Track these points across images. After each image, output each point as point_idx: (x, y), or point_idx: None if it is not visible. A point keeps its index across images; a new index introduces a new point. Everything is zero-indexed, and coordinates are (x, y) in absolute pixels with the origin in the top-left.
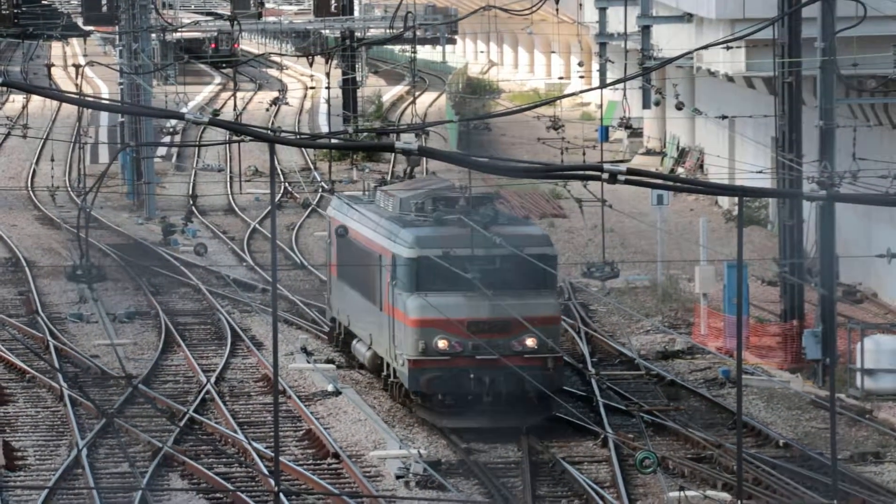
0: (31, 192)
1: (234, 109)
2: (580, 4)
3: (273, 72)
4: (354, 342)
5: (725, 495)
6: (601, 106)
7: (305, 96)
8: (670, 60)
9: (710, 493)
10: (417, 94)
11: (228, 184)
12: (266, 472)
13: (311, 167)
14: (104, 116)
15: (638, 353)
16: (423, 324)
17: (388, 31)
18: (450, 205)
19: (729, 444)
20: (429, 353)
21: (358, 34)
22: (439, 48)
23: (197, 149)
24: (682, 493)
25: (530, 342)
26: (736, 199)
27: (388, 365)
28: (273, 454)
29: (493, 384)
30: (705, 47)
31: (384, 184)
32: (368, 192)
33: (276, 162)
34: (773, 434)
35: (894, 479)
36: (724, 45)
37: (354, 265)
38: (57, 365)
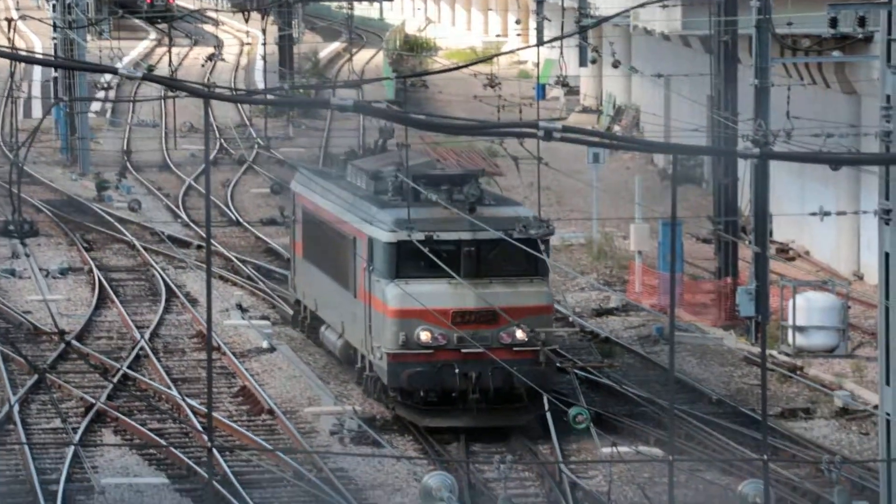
0: None
1: (169, 65)
2: None
3: (209, 27)
4: (323, 328)
5: (658, 451)
6: (538, 64)
7: (241, 53)
8: (607, 19)
9: (642, 448)
10: (354, 51)
11: (163, 140)
12: (200, 428)
13: (247, 123)
14: (37, 71)
15: (573, 311)
16: (403, 314)
17: None
18: (431, 183)
19: (662, 401)
20: (410, 345)
21: None
22: (376, 5)
23: (131, 104)
24: (614, 449)
25: (520, 334)
26: (671, 158)
27: (362, 357)
28: (207, 410)
29: (480, 380)
30: (642, 5)
31: (354, 156)
32: (337, 164)
33: (211, 118)
34: (706, 390)
35: (824, 435)
36: (661, 4)
37: (322, 246)
38: None
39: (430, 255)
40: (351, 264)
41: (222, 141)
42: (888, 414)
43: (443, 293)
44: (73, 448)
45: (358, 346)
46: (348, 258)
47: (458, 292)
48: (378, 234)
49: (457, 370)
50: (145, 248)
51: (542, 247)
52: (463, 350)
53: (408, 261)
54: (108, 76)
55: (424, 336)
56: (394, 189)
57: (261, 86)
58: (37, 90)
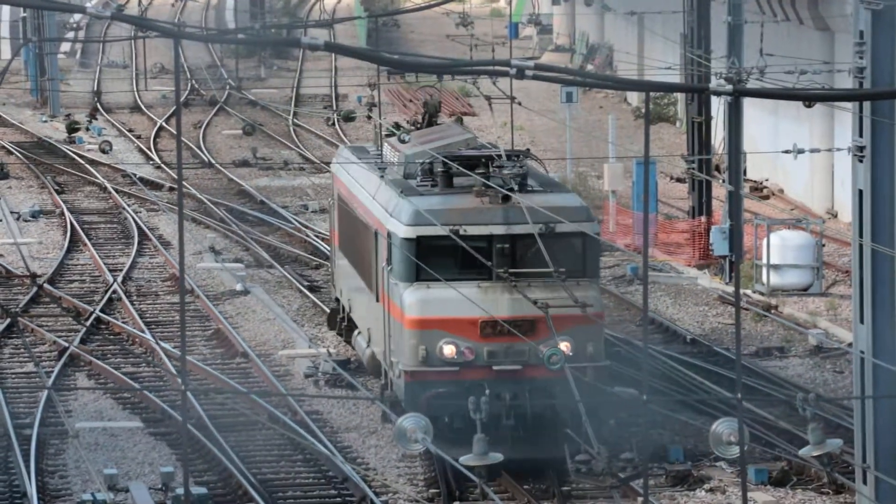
0: None
1: (139, 5)
2: None
3: None
4: (355, 333)
5: (633, 391)
6: (511, 2)
7: None
8: None
9: (617, 388)
10: None
11: (134, 81)
12: (174, 372)
13: (218, 64)
14: (5, 11)
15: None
16: (423, 324)
17: None
18: (465, 165)
19: (636, 341)
20: (431, 362)
21: None
22: None
23: (101, 45)
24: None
25: (564, 347)
26: (645, 97)
27: (385, 373)
28: (180, 353)
29: (516, 403)
30: None
31: (398, 132)
32: (378, 141)
33: (181, 59)
34: (681, 330)
35: (798, 373)
36: None
37: (353, 238)
38: None
39: (461, 251)
40: (374, 262)
41: (193, 82)
42: (862, 352)
43: (471, 299)
44: (46, 392)
45: (381, 358)
46: (371, 254)
47: (489, 298)
48: (396, 227)
49: (488, 392)
50: (117, 191)
51: (591, 242)
52: (495, 367)
53: (430, 260)
54: (77, 16)
55: (448, 350)
56: (422, 172)
57: (232, 25)
58: (5, 31)
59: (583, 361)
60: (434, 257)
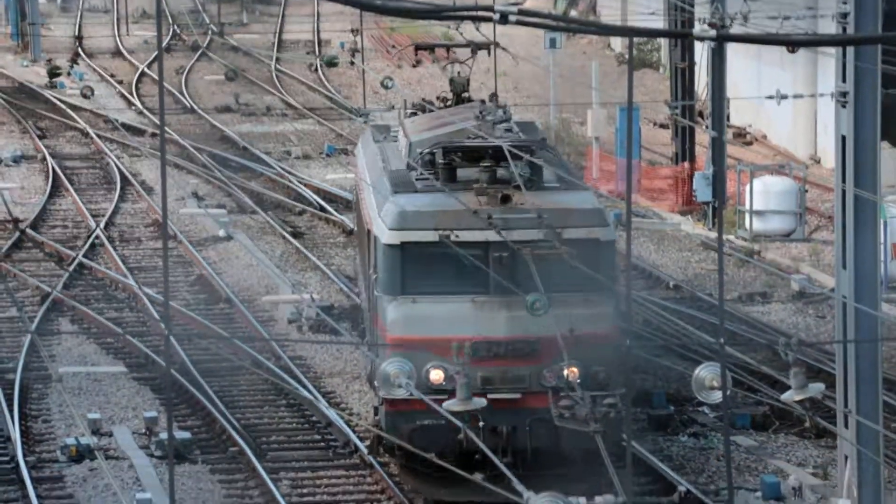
0: None
1: None
2: None
3: None
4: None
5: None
6: None
7: None
8: None
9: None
10: None
11: (115, 26)
12: (157, 317)
13: (200, 9)
14: None
15: None
16: (406, 345)
17: None
18: (468, 157)
19: (620, 287)
20: (416, 388)
21: None
22: None
23: None
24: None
25: (572, 373)
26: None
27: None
28: (164, 299)
29: (515, 438)
30: None
31: (424, 110)
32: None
33: (163, 3)
34: (664, 276)
35: (780, 318)
36: None
37: (360, 236)
38: None
39: (453, 260)
40: (369, 267)
41: (175, 27)
42: (844, 296)
43: (463, 315)
44: (29, 337)
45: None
46: (368, 258)
47: (484, 314)
48: (380, 229)
49: (482, 424)
50: (99, 136)
51: (605, 250)
52: (490, 396)
53: (417, 270)
54: None
55: (435, 376)
56: (423, 164)
57: None
58: None
59: (594, 389)
60: (422, 267)
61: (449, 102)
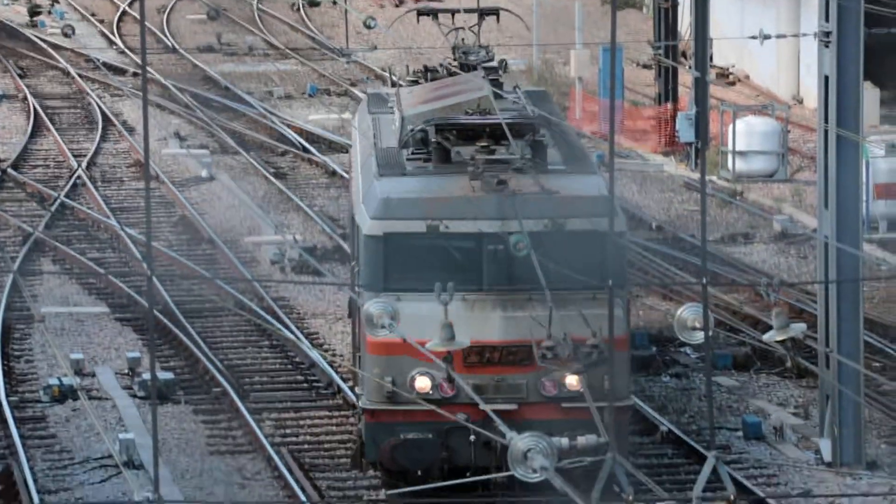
0: None
1: None
2: None
3: None
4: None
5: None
6: None
7: None
8: None
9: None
10: None
11: None
12: (139, 257)
13: None
14: None
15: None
16: (388, 349)
17: None
18: (464, 136)
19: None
20: (399, 398)
21: None
22: None
23: None
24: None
25: (573, 382)
26: None
27: None
28: (146, 239)
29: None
30: None
31: (426, 77)
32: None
33: None
34: (646, 217)
35: (763, 259)
36: None
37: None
38: None
39: (441, 254)
40: (351, 257)
41: None
42: (826, 237)
43: (453, 317)
44: (11, 277)
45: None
46: (352, 247)
47: (477, 315)
48: (362, 218)
49: (473, 438)
50: (80, 76)
51: (609, 243)
52: (483, 407)
53: (402, 264)
54: None
55: (422, 383)
56: (414, 142)
57: None
58: None
59: (599, 399)
60: (407, 261)
61: (450, 68)
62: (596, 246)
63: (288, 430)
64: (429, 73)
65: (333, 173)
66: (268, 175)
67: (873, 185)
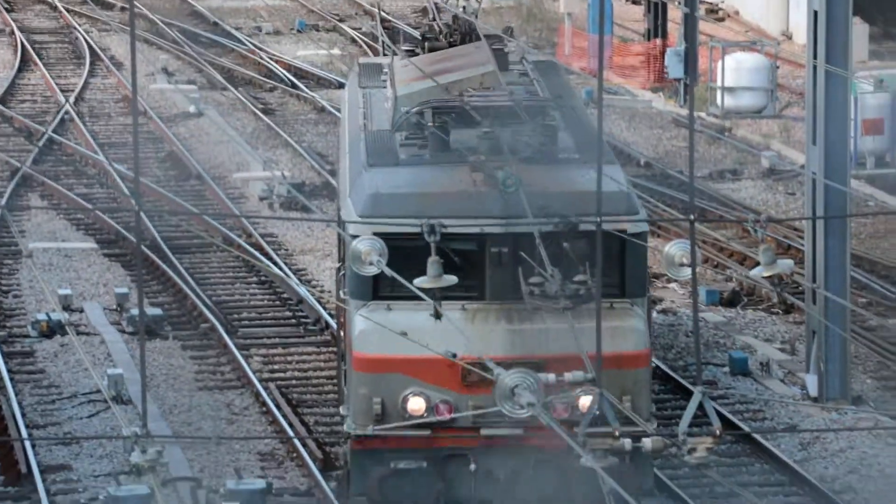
0: None
1: None
2: None
3: None
4: None
5: None
6: None
7: None
8: None
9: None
10: None
11: None
12: (127, 193)
13: None
14: None
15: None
16: (377, 366)
17: None
18: (464, 121)
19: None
20: (390, 421)
21: None
22: None
23: None
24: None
25: (587, 403)
26: None
27: None
28: (134, 175)
29: (515, 484)
30: None
31: (423, 47)
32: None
33: None
34: (635, 153)
35: (751, 195)
36: None
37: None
38: None
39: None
40: (338, 257)
41: None
42: (814, 173)
43: (451, 329)
44: (0, 212)
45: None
46: (339, 246)
47: (478, 328)
48: (348, 214)
49: (473, 467)
50: (67, 10)
51: (633, 245)
52: (484, 431)
53: (394, 269)
54: None
55: (415, 405)
56: (410, 126)
57: None
58: None
59: (616, 423)
60: (400, 265)
61: (450, 37)
62: (615, 248)
63: (276, 366)
64: (426, 42)
65: (322, 109)
66: (256, 111)
67: (861, 121)
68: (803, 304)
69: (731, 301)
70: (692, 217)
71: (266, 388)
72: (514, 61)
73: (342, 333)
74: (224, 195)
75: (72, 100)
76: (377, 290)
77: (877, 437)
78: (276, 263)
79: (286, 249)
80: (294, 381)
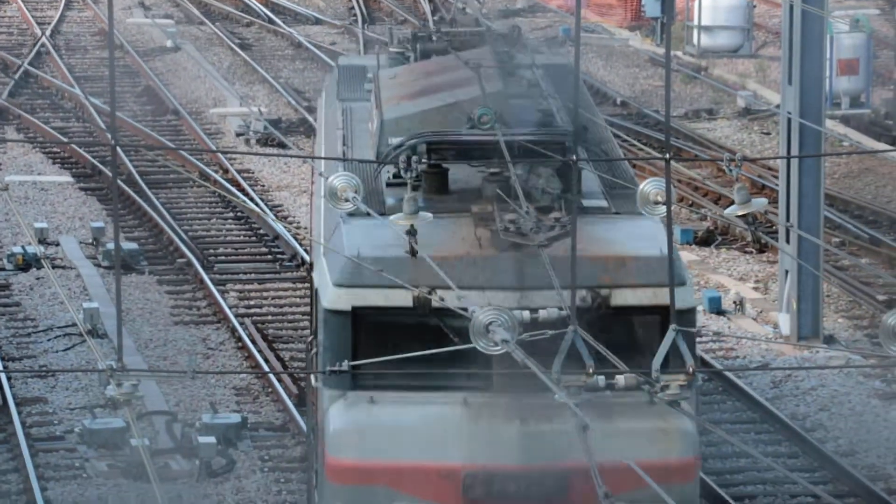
0: None
1: None
2: None
3: None
4: None
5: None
6: None
7: None
8: None
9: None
10: None
11: None
12: (103, 127)
13: None
14: None
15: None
16: (357, 476)
17: None
18: (465, 153)
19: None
20: None
21: None
22: None
23: None
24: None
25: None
26: None
27: None
28: (110, 109)
29: None
30: None
31: (415, 49)
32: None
33: None
34: (611, 92)
35: (726, 135)
36: None
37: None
38: None
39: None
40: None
41: None
42: (789, 112)
43: (451, 427)
44: None
45: None
46: (312, 316)
47: (484, 428)
48: (321, 282)
49: None
50: None
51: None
52: None
53: (377, 351)
54: None
55: None
56: (399, 160)
57: None
58: None
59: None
60: (386, 346)
61: (443, 35)
62: (656, 327)
63: (251, 302)
64: (418, 43)
65: (299, 45)
66: (233, 46)
67: (837, 62)
68: (777, 244)
69: (705, 240)
70: (668, 156)
71: (242, 324)
72: (524, 65)
73: (315, 433)
74: (201, 130)
75: (48, 33)
76: (357, 377)
77: (848, 375)
78: (252, 199)
79: (262, 185)
80: (270, 317)
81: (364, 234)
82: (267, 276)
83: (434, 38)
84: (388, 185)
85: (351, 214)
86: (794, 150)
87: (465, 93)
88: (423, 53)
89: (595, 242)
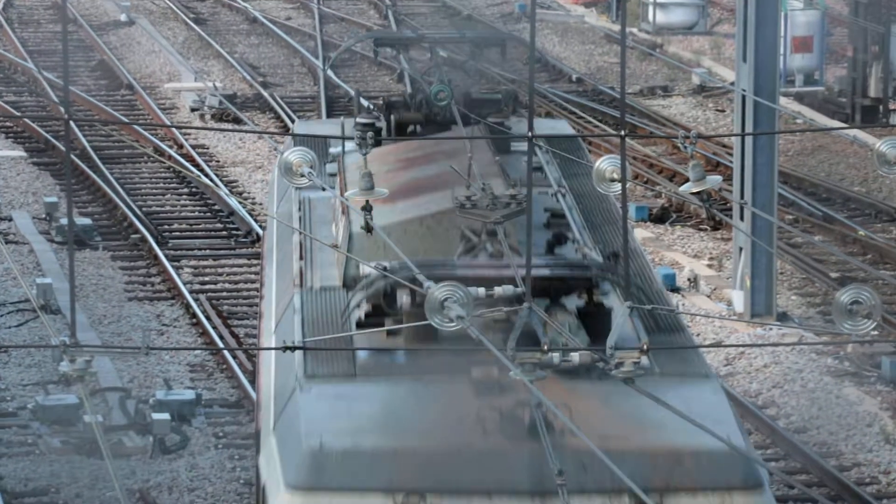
0: None
1: None
2: None
3: None
4: None
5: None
6: None
7: None
8: None
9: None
10: None
11: None
12: (56, 101)
13: None
14: None
15: None
16: None
17: None
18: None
19: (522, 80)
20: None
21: None
22: None
23: None
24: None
25: None
26: None
27: None
28: (63, 83)
29: None
30: None
31: (388, 120)
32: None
33: None
34: (567, 69)
35: (681, 112)
36: None
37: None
38: None
39: None
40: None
41: None
42: (744, 90)
43: None
44: None
45: None
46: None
47: None
48: (272, 481)
49: None
50: None
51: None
52: None
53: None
54: None
55: None
56: (373, 295)
57: None
58: None
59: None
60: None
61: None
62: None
63: (206, 278)
64: (392, 114)
65: (254, 20)
66: (188, 20)
67: (791, 39)
68: (731, 221)
69: (660, 217)
70: (623, 132)
71: (196, 300)
72: (518, 138)
73: None
74: (155, 105)
75: (0, 6)
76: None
77: (800, 352)
78: (207, 175)
79: (217, 161)
80: (224, 293)
81: (329, 412)
82: (221, 251)
83: (409, 106)
84: (360, 323)
85: (311, 375)
86: (749, 128)
87: (449, 202)
88: (397, 127)
89: (638, 427)
